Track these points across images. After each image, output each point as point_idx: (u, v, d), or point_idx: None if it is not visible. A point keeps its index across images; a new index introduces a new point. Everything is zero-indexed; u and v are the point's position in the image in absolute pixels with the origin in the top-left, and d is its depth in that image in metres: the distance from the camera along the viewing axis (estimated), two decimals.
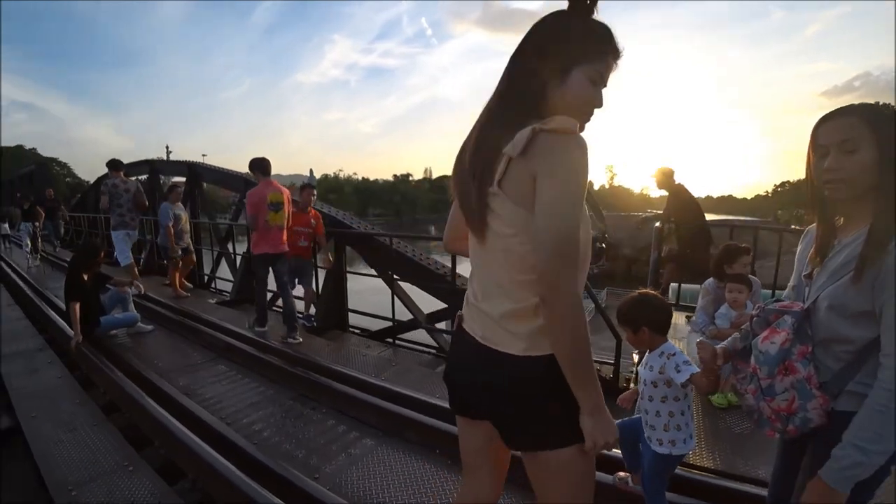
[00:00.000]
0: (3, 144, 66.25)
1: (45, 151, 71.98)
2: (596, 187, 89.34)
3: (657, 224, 5.35)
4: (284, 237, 4.63)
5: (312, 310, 5.34)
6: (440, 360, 4.79)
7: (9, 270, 8.58)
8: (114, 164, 6.30)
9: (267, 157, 4.51)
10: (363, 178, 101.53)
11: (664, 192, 5.19)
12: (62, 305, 5.13)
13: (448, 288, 4.72)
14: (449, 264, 5.15)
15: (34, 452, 2.75)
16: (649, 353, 1.85)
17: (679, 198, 5.02)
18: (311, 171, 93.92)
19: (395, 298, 5.26)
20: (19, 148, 67.35)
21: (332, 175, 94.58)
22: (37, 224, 10.56)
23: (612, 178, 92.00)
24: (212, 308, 5.97)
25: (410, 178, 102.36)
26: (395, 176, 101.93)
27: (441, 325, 5.61)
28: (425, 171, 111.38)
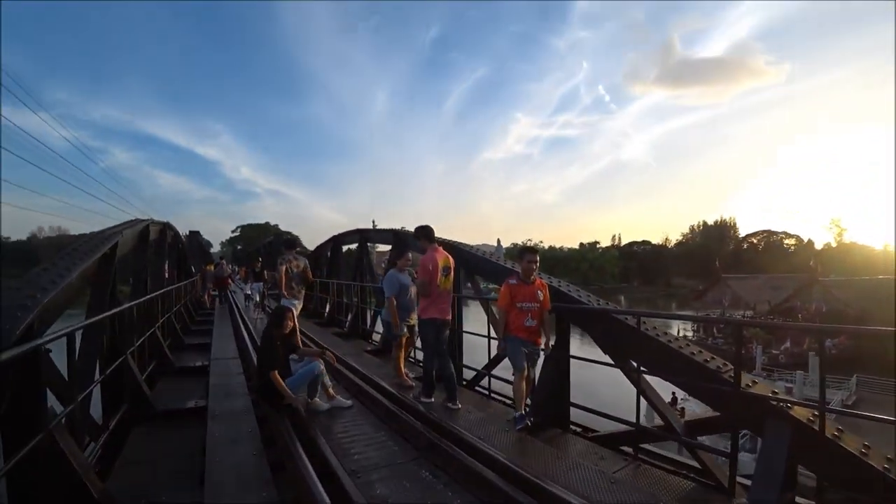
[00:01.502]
0: (258, 222, 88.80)
1: (284, 226, 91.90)
2: (818, 246, 71.88)
3: None
4: (450, 303, 4.80)
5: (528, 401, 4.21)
6: (709, 492, 3.20)
7: (241, 324, 9.52)
8: (288, 244, 6.66)
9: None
10: (549, 246, 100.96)
11: None
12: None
13: (726, 391, 3.13)
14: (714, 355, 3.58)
15: None
16: None
17: None
18: (498, 240, 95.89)
19: (640, 397, 3.80)
20: (266, 224, 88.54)
21: (520, 244, 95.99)
22: (264, 284, 12.20)
23: (839, 234, 71.96)
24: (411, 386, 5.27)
25: (598, 245, 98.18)
26: (581, 244, 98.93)
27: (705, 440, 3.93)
28: (613, 237, 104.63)
